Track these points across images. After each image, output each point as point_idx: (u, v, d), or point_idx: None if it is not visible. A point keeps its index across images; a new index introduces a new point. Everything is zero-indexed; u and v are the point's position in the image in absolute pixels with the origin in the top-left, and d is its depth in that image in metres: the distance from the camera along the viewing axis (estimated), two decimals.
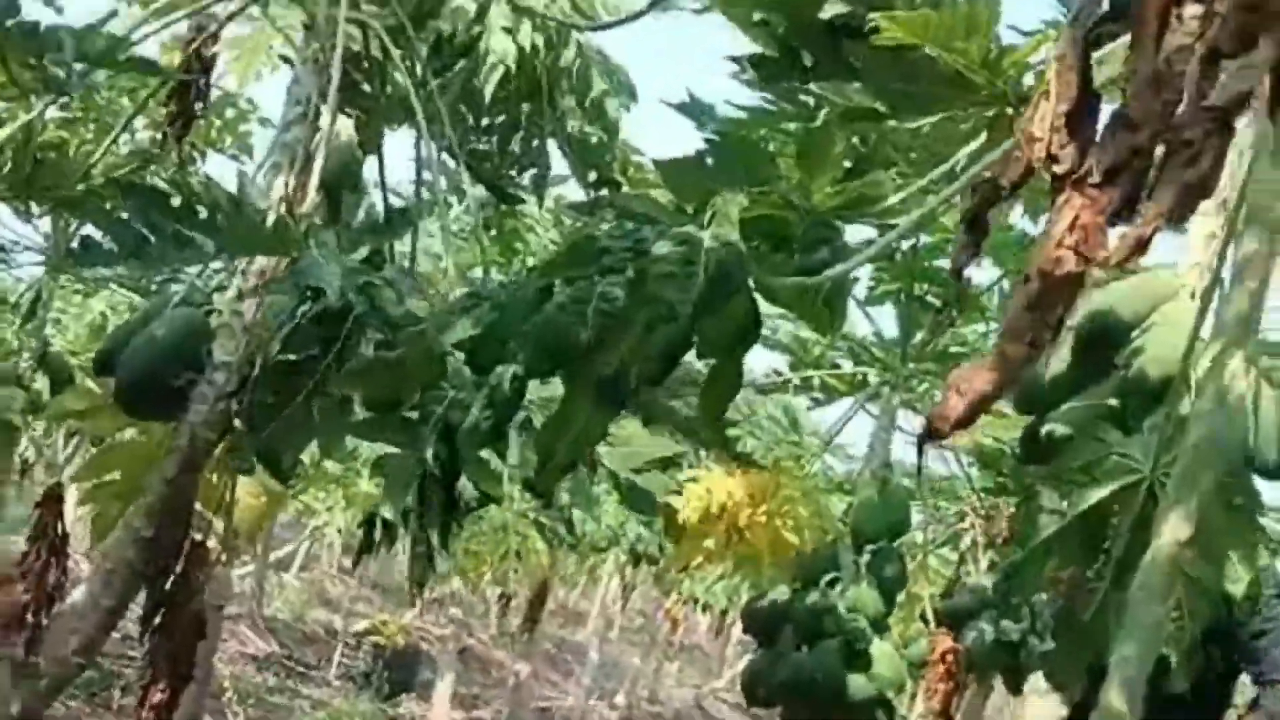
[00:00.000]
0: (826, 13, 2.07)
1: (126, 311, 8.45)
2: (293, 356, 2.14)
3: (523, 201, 3.39)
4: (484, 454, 1.87)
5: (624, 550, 10.61)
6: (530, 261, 4.77)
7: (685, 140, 3.10)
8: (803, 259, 1.71)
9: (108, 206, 3.37)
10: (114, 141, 2.99)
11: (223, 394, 2.53)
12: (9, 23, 2.07)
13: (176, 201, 2.12)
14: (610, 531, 9.48)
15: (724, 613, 19.26)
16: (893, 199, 2.24)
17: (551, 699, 15.27)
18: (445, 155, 3.05)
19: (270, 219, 2.36)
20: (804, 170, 2.18)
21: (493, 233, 4.21)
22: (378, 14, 2.64)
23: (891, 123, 2.29)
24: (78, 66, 2.33)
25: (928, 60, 2.03)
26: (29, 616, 2.61)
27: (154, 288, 5.58)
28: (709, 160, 2.22)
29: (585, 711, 14.90)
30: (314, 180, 2.49)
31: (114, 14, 2.39)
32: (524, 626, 12.72)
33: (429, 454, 1.92)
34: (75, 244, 2.05)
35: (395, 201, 3.25)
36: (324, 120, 2.50)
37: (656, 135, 3.25)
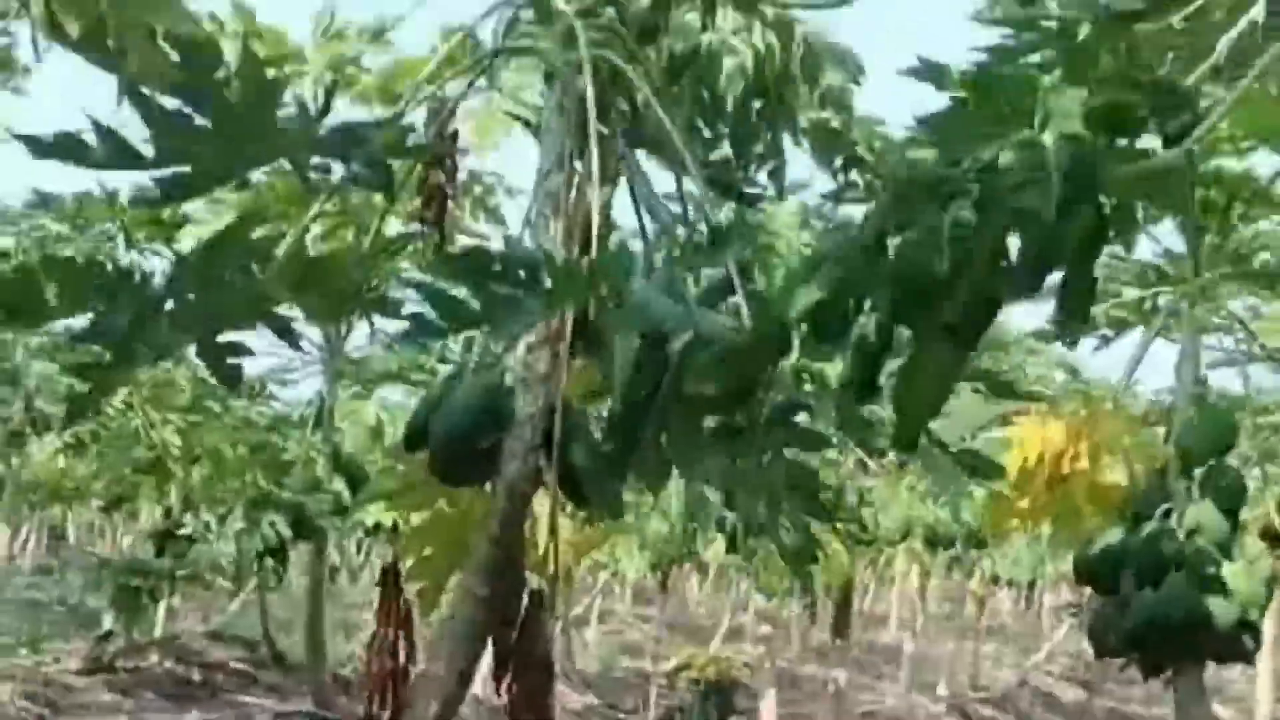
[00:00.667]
0: None
1: (399, 411, 8.77)
2: (640, 395, 2.12)
3: (761, 199, 3.36)
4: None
5: (919, 539, 10.47)
6: (780, 268, 4.74)
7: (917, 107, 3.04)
8: (1163, 129, 1.62)
9: (384, 295, 3.49)
10: (378, 231, 3.07)
11: (531, 447, 2.56)
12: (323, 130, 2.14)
13: (498, 266, 2.13)
14: (903, 523, 9.37)
15: (1030, 584, 18.82)
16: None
17: (873, 703, 15.09)
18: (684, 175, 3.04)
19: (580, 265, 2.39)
20: (1073, 88, 2.11)
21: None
22: (608, 39, 2.64)
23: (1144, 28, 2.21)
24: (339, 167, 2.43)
25: None
26: (389, 687, 2.69)
27: (425, 376, 5.77)
28: (971, 106, 2.17)
29: (911, 708, 14.70)
30: (595, 219, 2.51)
31: (331, 92, 2.45)
32: (835, 633, 12.63)
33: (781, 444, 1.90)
34: (405, 323, 2.08)
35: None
36: (592, 161, 2.51)
37: (882, 104, 3.20)
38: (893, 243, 1.55)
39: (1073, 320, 1.54)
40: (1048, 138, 1.56)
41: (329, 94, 2.28)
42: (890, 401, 1.61)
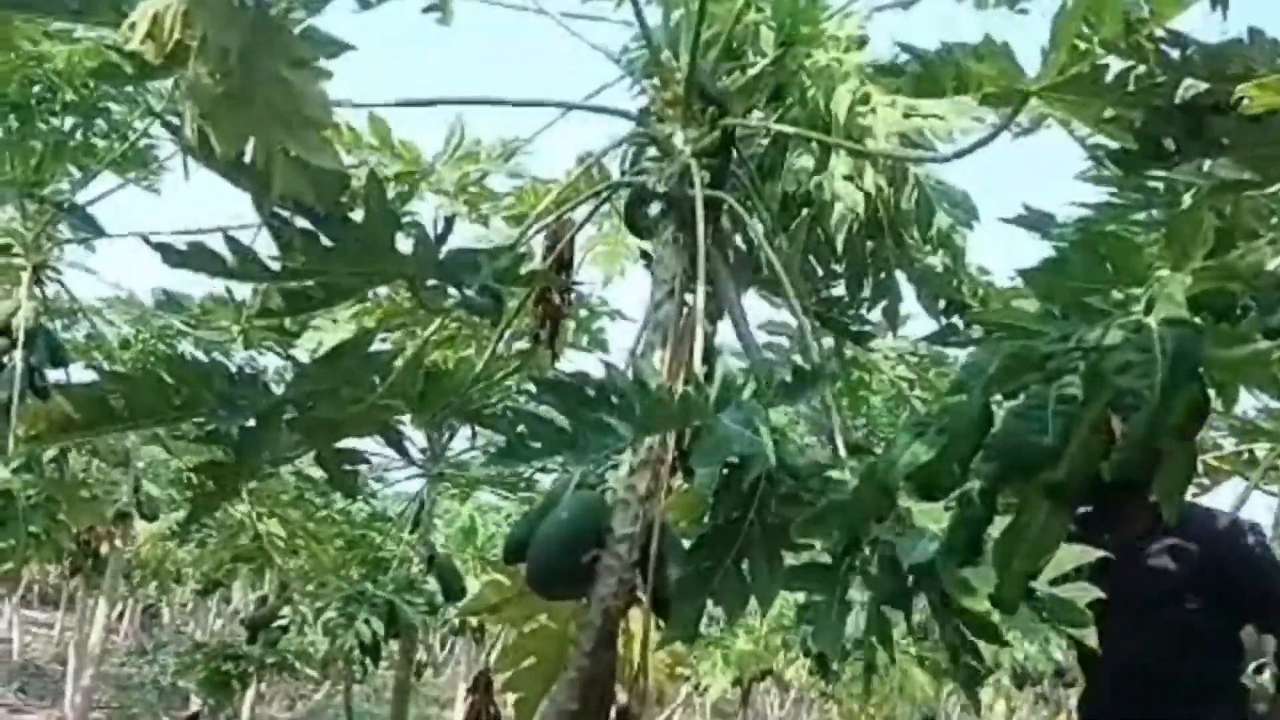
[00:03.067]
0: (1186, 94, 2.08)
1: (491, 512, 8.87)
2: (721, 521, 2.20)
3: (873, 338, 3.42)
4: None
5: (1007, 674, 10.29)
6: (877, 402, 4.78)
7: (1020, 253, 3.11)
8: (1264, 321, 1.68)
9: (494, 410, 3.58)
10: (493, 352, 3.17)
11: (627, 566, 2.62)
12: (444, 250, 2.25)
13: (592, 392, 2.22)
14: (991, 655, 9.22)
15: None
16: (1273, 263, 2.19)
17: None
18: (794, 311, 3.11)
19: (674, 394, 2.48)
20: (1176, 250, 2.16)
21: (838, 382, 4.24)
22: (725, 178, 2.74)
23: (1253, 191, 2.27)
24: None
25: None
26: None
27: (522, 483, 5.86)
28: (1074, 260, 2.23)
29: None
30: (698, 352, 2.58)
31: (451, 221, 2.56)
32: None
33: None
34: (500, 444, 2.17)
35: (739, 363, 3.37)
36: (699, 295, 2.59)
37: (988, 249, 3.26)
38: (998, 411, 1.61)
39: (1170, 497, 1.59)
40: (1153, 321, 1.62)
41: (449, 222, 2.40)
42: (991, 562, 1.66)
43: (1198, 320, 1.65)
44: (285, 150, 1.99)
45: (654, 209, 2.75)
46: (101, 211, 4.43)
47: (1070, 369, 1.57)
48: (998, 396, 1.62)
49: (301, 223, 2.36)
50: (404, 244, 2.45)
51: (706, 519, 2.21)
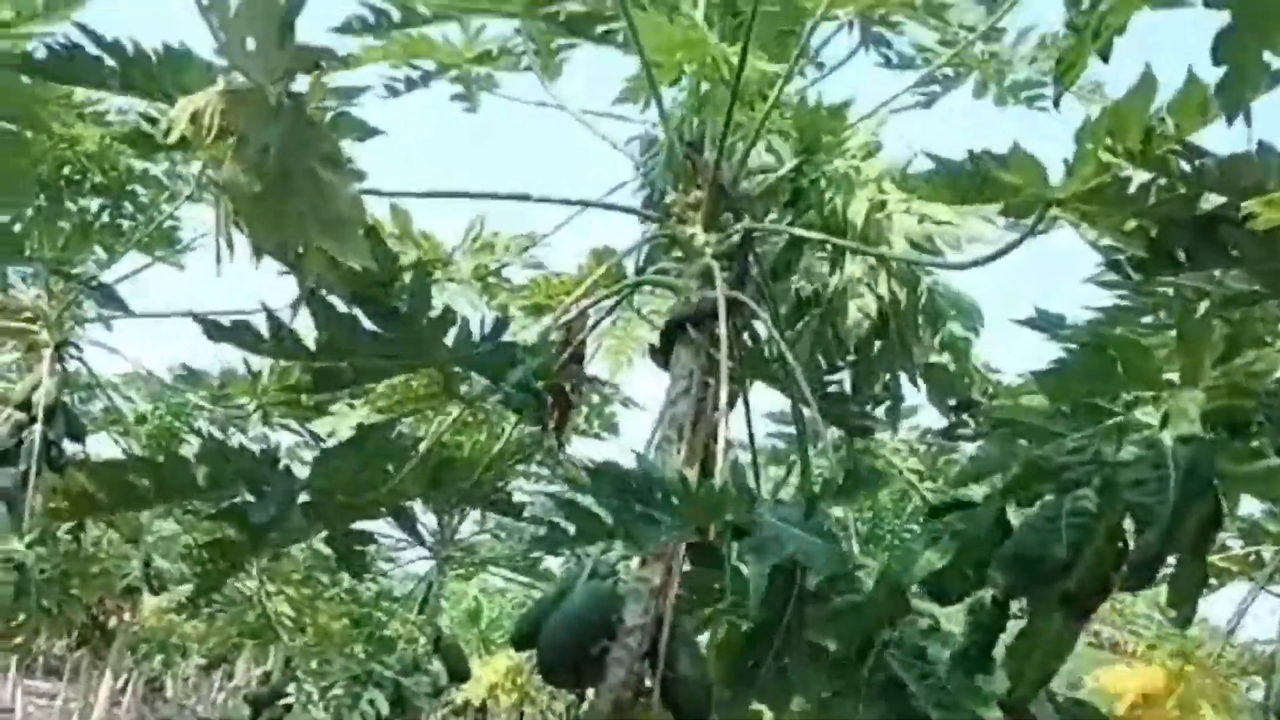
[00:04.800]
0: (1204, 206, 2.12)
1: (496, 595, 8.84)
2: (766, 618, 2.20)
3: (874, 432, 3.44)
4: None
5: None
6: (883, 495, 4.79)
7: (1030, 353, 3.15)
8: (1275, 439, 1.71)
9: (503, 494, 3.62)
10: (509, 439, 3.21)
11: (637, 657, 2.64)
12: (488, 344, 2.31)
13: (634, 484, 2.24)
14: None
15: None
16: None
17: None
18: (805, 405, 3.15)
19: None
20: (1187, 358, 2.19)
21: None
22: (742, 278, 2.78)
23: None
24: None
25: None
26: None
27: (531, 565, 5.87)
28: (1084, 363, 2.26)
29: None
30: (722, 447, 2.61)
31: (504, 324, 2.60)
32: None
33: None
34: (535, 531, 2.20)
35: (743, 454, 3.40)
36: (722, 393, 2.62)
37: (997, 348, 3.30)
38: (1013, 519, 1.64)
39: (1182, 605, 1.62)
40: (1167, 436, 1.65)
41: (499, 323, 2.45)
42: (1004, 666, 1.69)
43: (1211, 435, 1.68)
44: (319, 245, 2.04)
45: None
46: (122, 289, 4.49)
47: (1085, 481, 1.61)
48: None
49: (341, 306, 2.42)
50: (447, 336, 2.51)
51: (753, 616, 2.20)
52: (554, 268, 3.77)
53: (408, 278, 2.50)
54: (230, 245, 2.18)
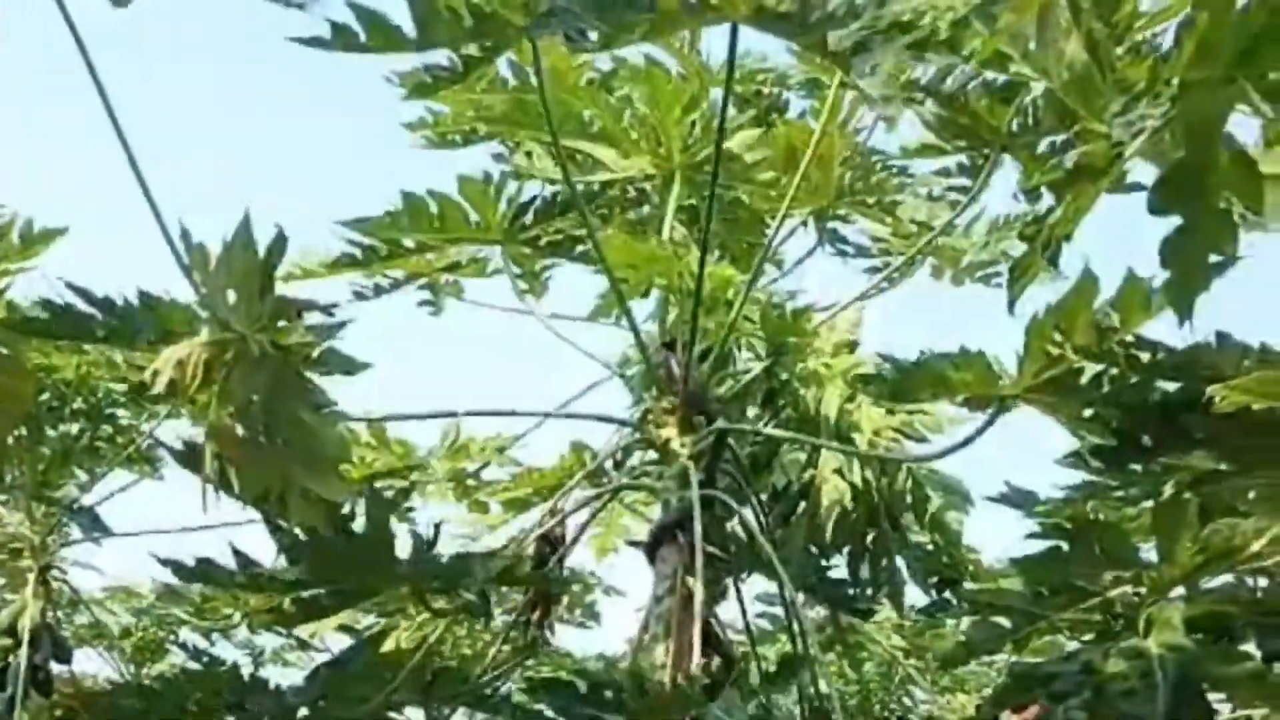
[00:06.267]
0: (1159, 395, 2.19)
1: None
2: None
3: (874, 614, 3.47)
4: None
5: None
6: (870, 668, 4.80)
7: (1009, 526, 3.19)
8: (1258, 645, 1.75)
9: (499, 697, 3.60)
10: (501, 642, 3.22)
11: None
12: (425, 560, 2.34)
13: (585, 689, 2.29)
14: None
15: None
16: (1257, 544, 2.28)
17: None
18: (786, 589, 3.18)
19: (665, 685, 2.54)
20: (1165, 537, 2.24)
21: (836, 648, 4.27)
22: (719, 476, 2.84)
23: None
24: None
25: (1265, 413, 2.10)
26: None
27: None
28: (1063, 547, 2.31)
29: None
30: (697, 645, 2.64)
31: (438, 529, 2.66)
32: None
33: None
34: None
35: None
36: (696, 588, 2.66)
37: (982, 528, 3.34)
38: None
39: None
40: (1153, 644, 1.69)
41: (437, 529, 2.51)
42: None
43: (1197, 640, 1.71)
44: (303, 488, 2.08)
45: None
46: (105, 506, 4.51)
47: (1074, 692, 1.64)
48: None
49: (305, 536, 2.46)
50: (404, 549, 2.55)
51: None
52: (532, 458, 3.83)
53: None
54: (217, 490, 2.22)
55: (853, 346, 2.90)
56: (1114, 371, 2.21)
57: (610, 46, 2.45)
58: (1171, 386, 2.22)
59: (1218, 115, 1.65)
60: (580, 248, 3.15)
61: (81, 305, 2.17)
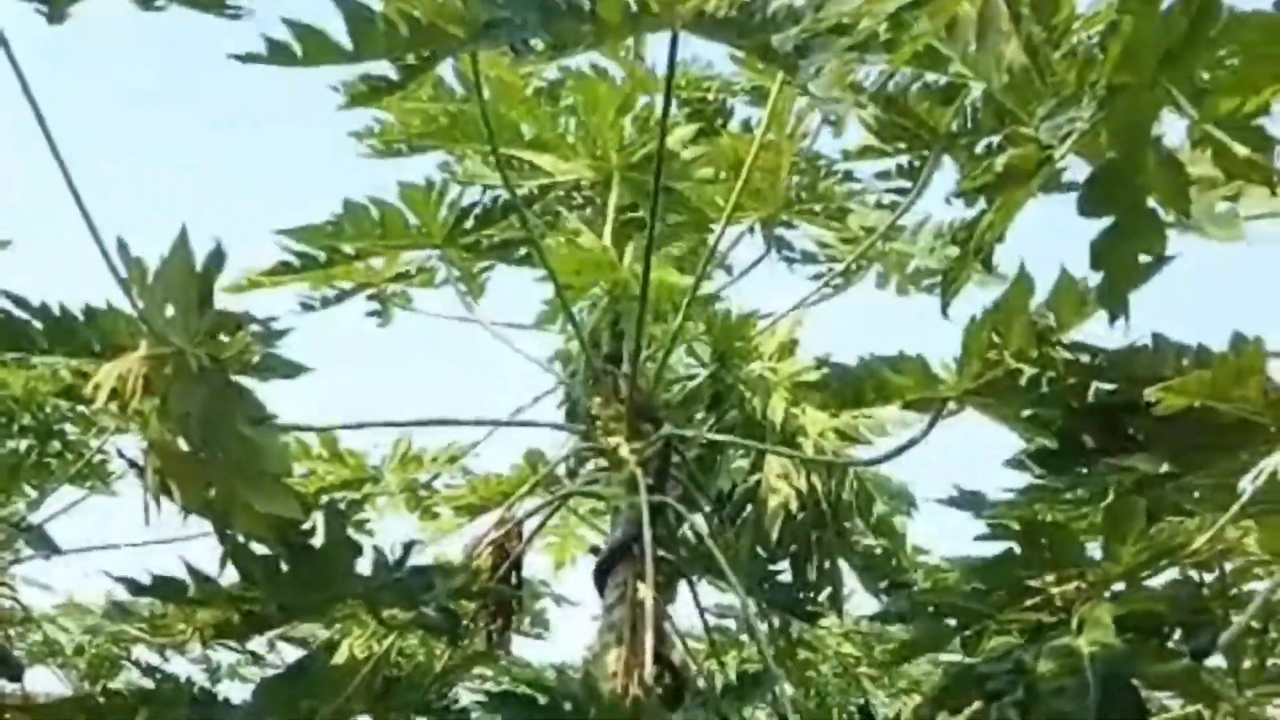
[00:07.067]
0: (1096, 396, 2.21)
1: None
2: None
3: (822, 617, 3.49)
4: None
5: None
6: (825, 669, 4.82)
7: (960, 528, 3.21)
8: (1187, 642, 1.77)
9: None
10: (451, 654, 3.21)
11: None
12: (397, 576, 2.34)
13: (543, 700, 2.30)
14: None
15: None
16: (1198, 541, 2.30)
17: None
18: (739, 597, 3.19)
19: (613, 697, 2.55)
20: (1112, 537, 2.26)
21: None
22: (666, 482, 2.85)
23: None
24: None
25: (1205, 412, 2.12)
26: None
27: None
28: (1014, 549, 2.33)
29: None
30: (648, 655, 2.64)
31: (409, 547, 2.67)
32: None
33: None
34: None
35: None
36: (646, 596, 2.66)
37: (930, 528, 3.37)
38: None
39: None
40: (1083, 643, 1.71)
41: (407, 548, 2.50)
42: None
43: (1127, 639, 1.73)
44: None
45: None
46: (56, 523, 4.48)
47: (1008, 690, 1.65)
48: None
49: (260, 549, 2.45)
50: (362, 564, 2.55)
51: None
52: (485, 468, 3.82)
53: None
54: (159, 503, 2.21)
55: (792, 348, 2.91)
56: (1051, 374, 2.24)
57: (555, 57, 2.47)
58: (1110, 387, 2.25)
59: (1144, 118, 1.67)
60: (523, 250, 3.15)
61: (18, 313, 2.16)
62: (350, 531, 2.53)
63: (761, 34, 2.02)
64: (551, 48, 2.07)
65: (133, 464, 2.40)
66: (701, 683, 2.91)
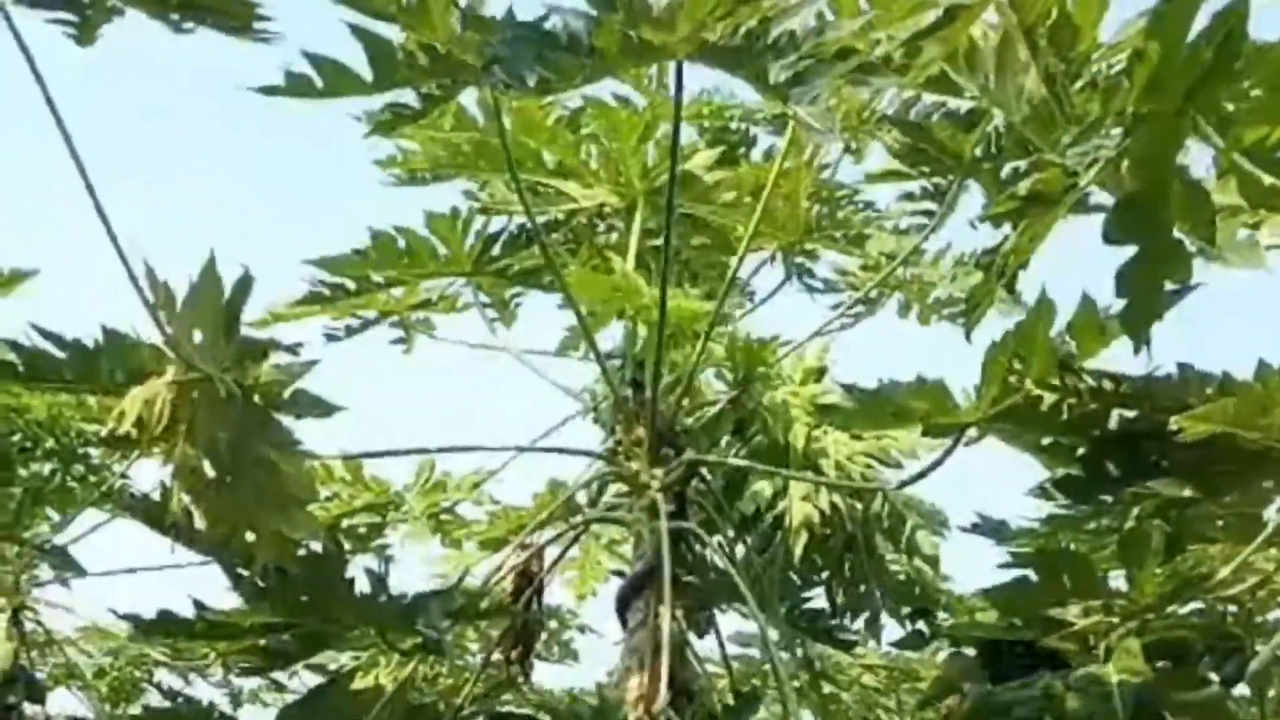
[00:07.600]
0: (1119, 424, 2.21)
1: None
2: None
3: (855, 645, 3.48)
4: None
5: None
6: (847, 698, 4.79)
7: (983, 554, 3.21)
8: (1216, 670, 1.77)
9: None
10: (476, 680, 3.21)
11: None
12: (383, 598, 2.34)
13: None
14: None
15: None
16: (1223, 571, 2.30)
17: None
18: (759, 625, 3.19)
19: None
20: (1130, 564, 2.25)
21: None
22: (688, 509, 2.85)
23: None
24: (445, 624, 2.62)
25: (1229, 440, 2.12)
26: None
27: None
28: (1034, 577, 2.32)
29: None
30: (663, 679, 2.64)
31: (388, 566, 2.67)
32: None
33: None
34: None
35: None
36: (663, 623, 2.66)
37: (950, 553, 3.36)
38: None
39: None
40: (1112, 671, 1.70)
41: (386, 565, 2.51)
42: None
43: (1156, 667, 1.73)
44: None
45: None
46: (78, 546, 4.48)
47: (1035, 718, 1.65)
48: None
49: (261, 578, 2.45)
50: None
51: None
52: (506, 496, 3.82)
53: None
54: (176, 535, 2.22)
55: (820, 374, 2.92)
56: (1072, 400, 2.24)
57: (550, 92, 2.48)
58: (1132, 414, 2.25)
59: (1170, 147, 1.67)
60: (548, 277, 3.16)
61: (51, 349, 2.17)
62: (363, 556, 2.54)
63: (762, 61, 2.02)
64: (545, 83, 2.07)
65: (133, 507, 2.41)
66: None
